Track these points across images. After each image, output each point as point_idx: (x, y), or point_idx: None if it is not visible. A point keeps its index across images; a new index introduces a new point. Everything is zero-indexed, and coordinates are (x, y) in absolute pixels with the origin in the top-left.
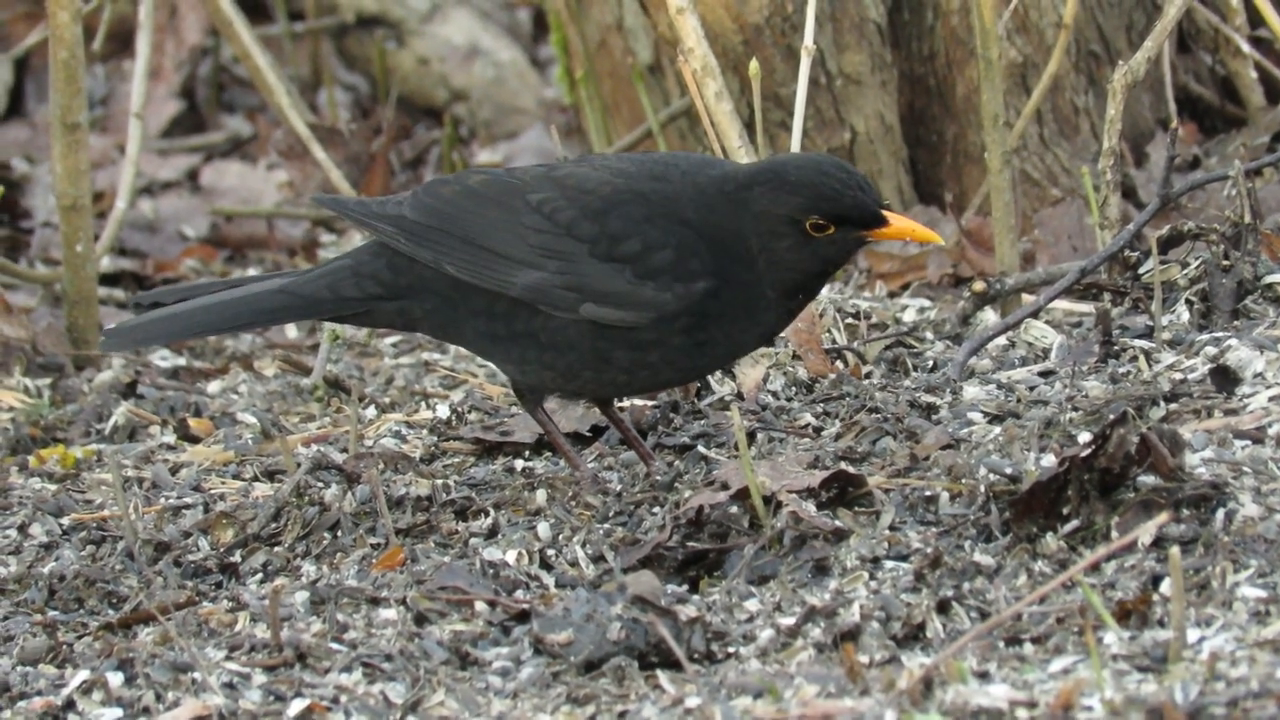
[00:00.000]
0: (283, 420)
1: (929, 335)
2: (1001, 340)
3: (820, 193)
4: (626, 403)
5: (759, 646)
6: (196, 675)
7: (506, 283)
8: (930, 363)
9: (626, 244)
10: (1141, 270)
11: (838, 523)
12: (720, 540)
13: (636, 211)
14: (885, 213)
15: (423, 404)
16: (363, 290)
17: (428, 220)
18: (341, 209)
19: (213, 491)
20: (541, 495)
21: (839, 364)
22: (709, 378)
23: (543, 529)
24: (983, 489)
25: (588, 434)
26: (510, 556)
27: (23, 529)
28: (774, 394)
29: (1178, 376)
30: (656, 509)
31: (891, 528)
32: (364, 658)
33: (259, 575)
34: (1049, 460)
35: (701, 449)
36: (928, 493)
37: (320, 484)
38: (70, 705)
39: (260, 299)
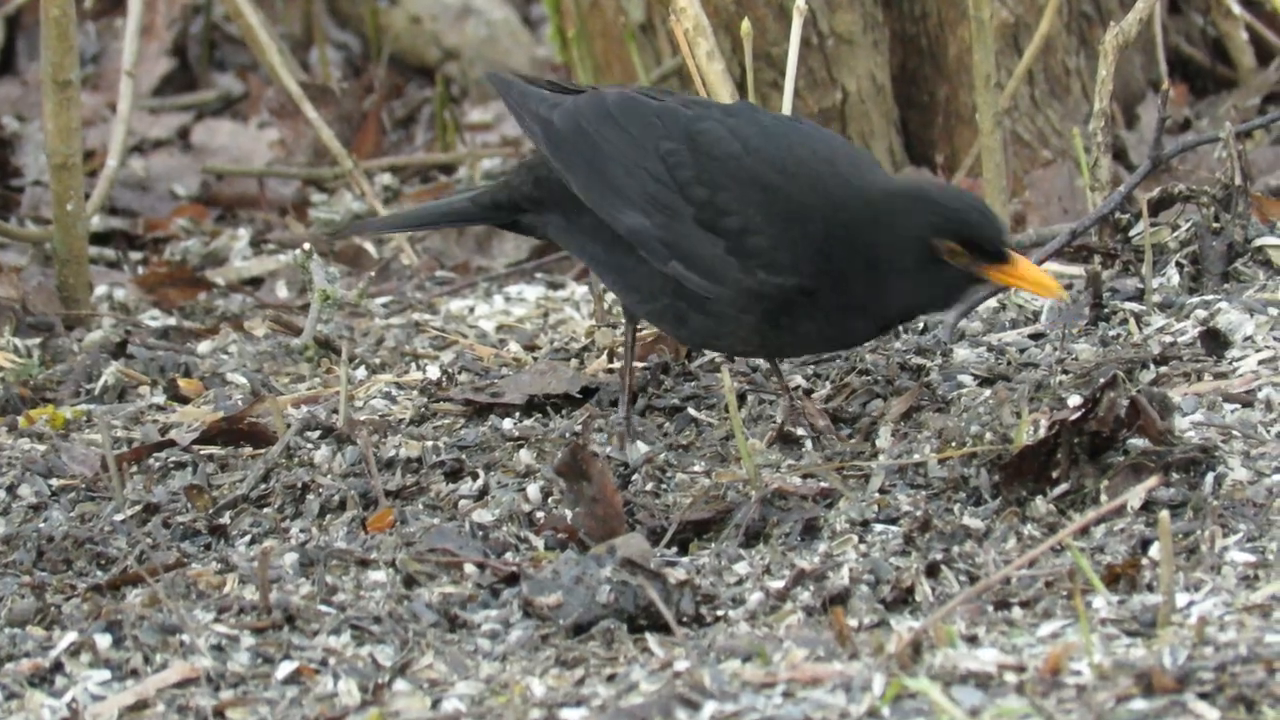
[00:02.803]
0: (272, 381)
1: None
2: (992, 303)
3: (960, 216)
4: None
5: (748, 610)
6: (185, 637)
7: (614, 218)
8: (921, 325)
9: (729, 219)
10: (1132, 233)
11: (823, 484)
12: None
13: (752, 195)
14: (1012, 255)
15: (413, 365)
16: (511, 200)
17: (568, 132)
18: (504, 91)
19: (202, 452)
20: (527, 454)
21: None
22: None
23: (532, 490)
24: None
25: (578, 395)
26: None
27: (11, 490)
28: None
29: (1168, 339)
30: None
31: (881, 491)
32: (353, 620)
33: (248, 537)
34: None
35: (692, 411)
36: (917, 456)
37: (310, 445)
38: (58, 667)
39: (454, 204)
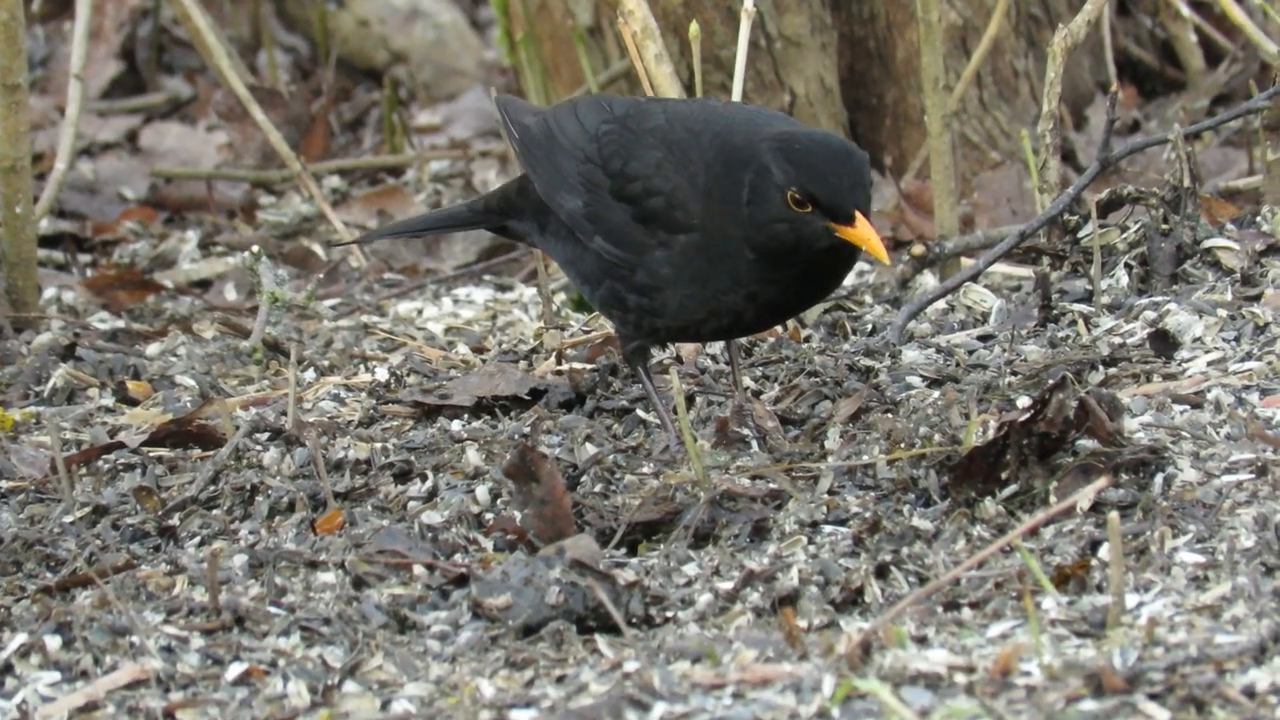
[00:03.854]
0: (221, 383)
1: (868, 299)
2: (940, 304)
3: (810, 172)
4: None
5: (697, 611)
6: (135, 639)
7: (558, 205)
8: (869, 326)
9: (634, 185)
10: (1081, 234)
11: (772, 485)
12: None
13: (653, 156)
14: (857, 214)
15: (361, 367)
16: (499, 206)
17: (537, 133)
18: (501, 108)
19: (151, 454)
20: (475, 455)
21: (778, 328)
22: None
23: (481, 492)
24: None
25: (526, 397)
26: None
27: None
28: (713, 358)
29: (1117, 341)
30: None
31: (830, 492)
32: (302, 621)
33: (197, 539)
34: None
35: (640, 412)
36: (866, 457)
37: (258, 447)
38: (8, 669)
39: (453, 210)
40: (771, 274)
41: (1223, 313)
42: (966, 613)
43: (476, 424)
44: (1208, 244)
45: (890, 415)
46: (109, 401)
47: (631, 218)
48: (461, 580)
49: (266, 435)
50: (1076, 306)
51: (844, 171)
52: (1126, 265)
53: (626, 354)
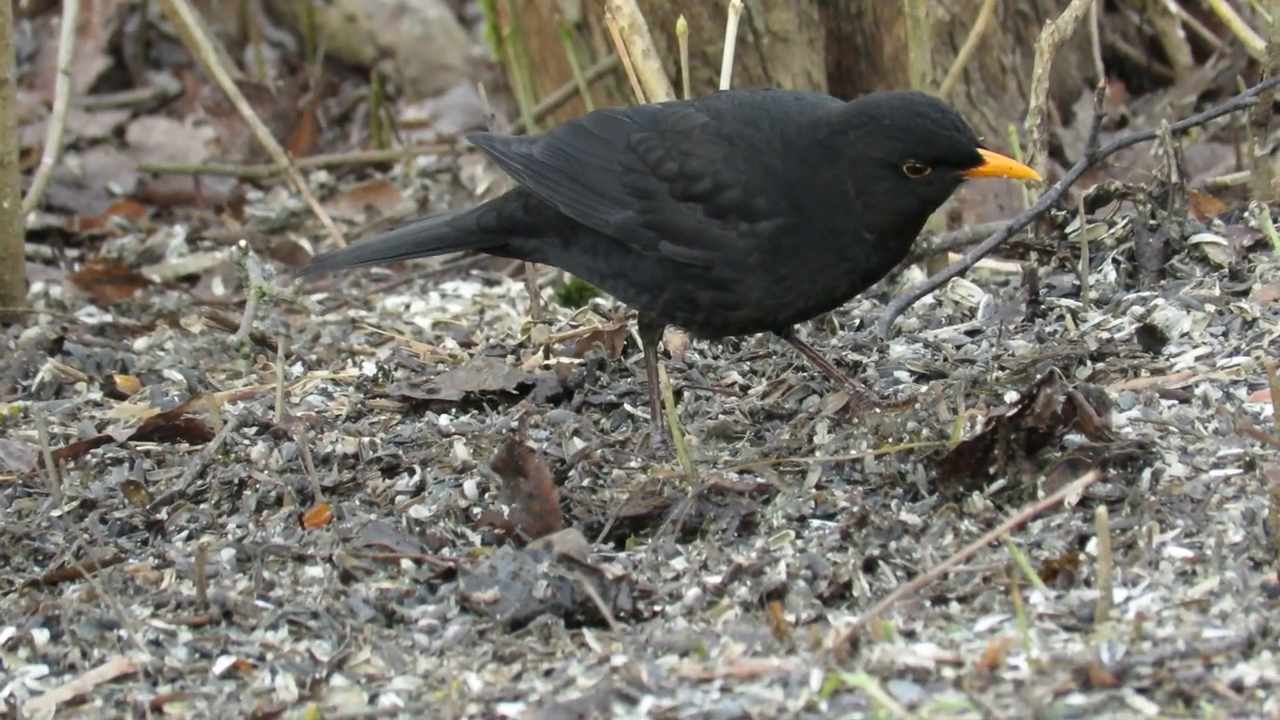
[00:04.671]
0: (209, 377)
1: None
2: (928, 299)
3: (916, 135)
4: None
5: (685, 605)
6: (122, 632)
7: (603, 221)
8: (857, 321)
9: (699, 183)
10: (1068, 229)
11: (760, 480)
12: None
13: (716, 152)
14: (981, 151)
15: (349, 361)
16: (501, 225)
17: (548, 159)
18: (486, 146)
19: (139, 449)
20: (463, 449)
21: None
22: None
23: (469, 486)
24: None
25: (514, 391)
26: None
27: None
28: (700, 352)
29: (1104, 336)
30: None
31: (818, 486)
32: (290, 615)
33: (185, 533)
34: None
35: (628, 407)
36: (854, 452)
37: (246, 441)
38: None
39: (429, 230)
40: (887, 242)
41: (1210, 308)
42: (954, 607)
43: (464, 418)
44: (1195, 239)
45: (879, 410)
46: (97, 396)
47: (704, 214)
48: (449, 574)
49: (254, 429)
50: (1064, 302)
51: (946, 121)
52: (1114, 260)
53: (641, 329)
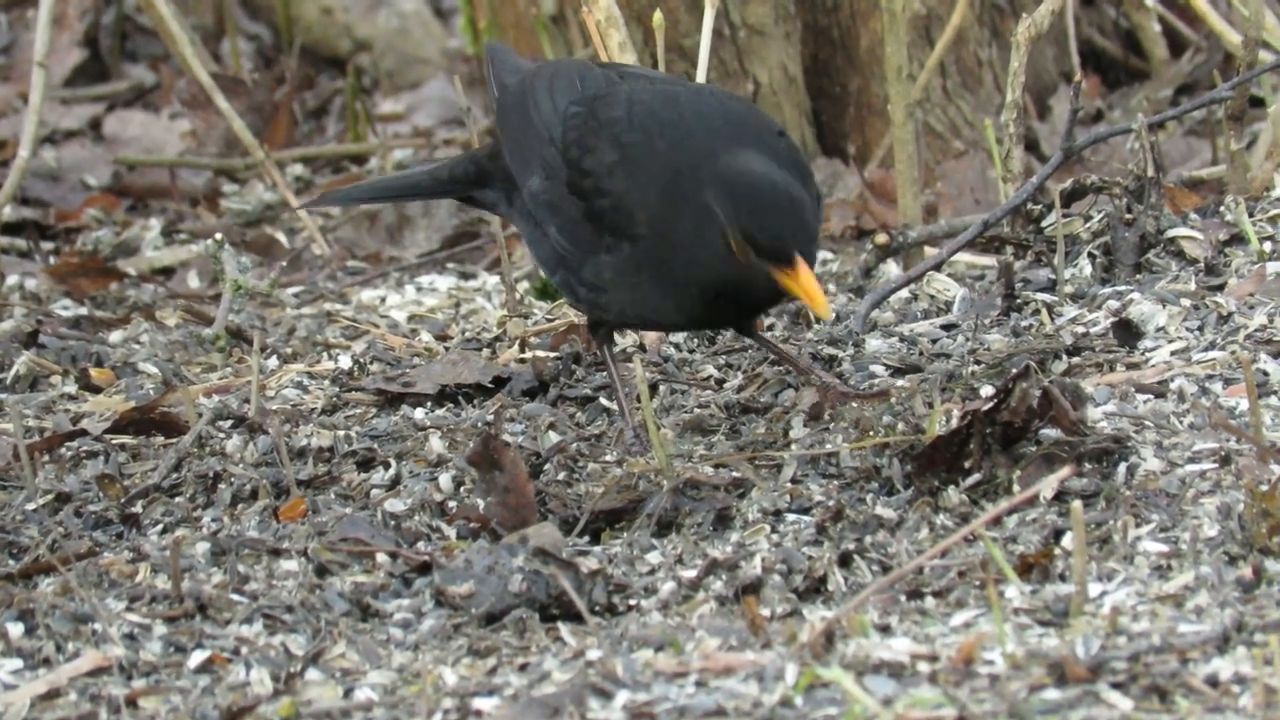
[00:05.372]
0: (184, 370)
1: (831, 287)
2: (904, 293)
3: (752, 214)
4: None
5: (660, 599)
6: (97, 626)
7: (523, 182)
8: (834, 315)
9: (586, 181)
10: (1044, 223)
11: (736, 474)
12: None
13: (608, 156)
14: (798, 261)
15: (325, 354)
16: (467, 174)
17: (514, 97)
18: (490, 57)
19: (114, 442)
20: (438, 443)
21: None
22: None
23: (444, 480)
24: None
25: (490, 385)
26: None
27: None
28: (676, 346)
29: (1080, 330)
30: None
31: (793, 480)
32: (265, 609)
33: (160, 526)
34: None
35: (604, 400)
36: (829, 446)
37: (221, 435)
38: None
39: (412, 177)
40: (712, 302)
41: (1186, 302)
42: (930, 601)
43: (440, 412)
44: (1171, 234)
45: (851, 401)
46: (72, 389)
47: (582, 214)
48: (424, 568)
49: (229, 423)
50: (1040, 296)
51: (786, 215)
52: (1090, 255)
53: (591, 333)
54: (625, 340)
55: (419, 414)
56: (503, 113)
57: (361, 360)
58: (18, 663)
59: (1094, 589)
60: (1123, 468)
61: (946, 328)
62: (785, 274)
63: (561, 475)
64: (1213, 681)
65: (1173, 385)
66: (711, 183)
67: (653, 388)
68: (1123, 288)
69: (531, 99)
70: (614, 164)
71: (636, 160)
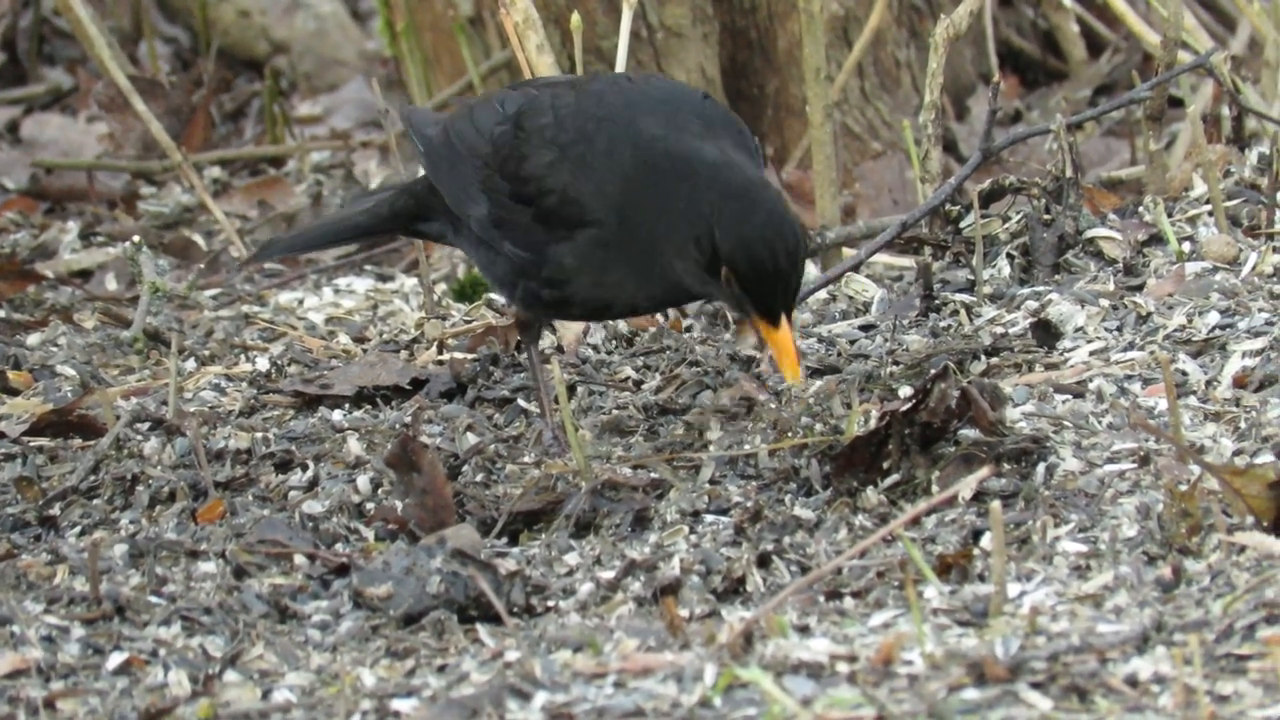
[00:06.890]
0: (102, 373)
1: None
2: (822, 294)
3: (749, 265)
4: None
5: (579, 600)
6: (15, 628)
7: (467, 215)
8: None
9: (528, 186)
10: (963, 224)
11: (654, 475)
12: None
13: (544, 158)
14: (782, 320)
15: (242, 357)
16: (409, 209)
17: (439, 143)
18: (405, 120)
19: (31, 444)
20: (356, 444)
21: (659, 317)
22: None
23: (362, 482)
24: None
25: (408, 386)
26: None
27: None
28: (594, 347)
29: (999, 330)
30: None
31: (712, 481)
32: (183, 611)
33: (78, 528)
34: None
35: (522, 402)
36: (748, 447)
37: (139, 437)
38: None
39: (352, 219)
40: (675, 286)
41: (1105, 302)
42: (849, 602)
43: (358, 413)
44: (1090, 234)
45: (772, 405)
46: None
47: (532, 218)
48: (342, 570)
49: (147, 425)
50: (958, 296)
51: (784, 280)
52: (1008, 255)
53: (521, 332)
54: (544, 342)
55: (337, 416)
56: (432, 165)
57: (279, 362)
58: None
59: (1013, 589)
60: (1041, 468)
61: (865, 328)
62: (767, 328)
63: (479, 477)
64: (1132, 681)
65: (1092, 385)
66: (706, 190)
67: (571, 389)
68: (1041, 288)
69: (456, 135)
70: (552, 162)
71: (579, 155)
